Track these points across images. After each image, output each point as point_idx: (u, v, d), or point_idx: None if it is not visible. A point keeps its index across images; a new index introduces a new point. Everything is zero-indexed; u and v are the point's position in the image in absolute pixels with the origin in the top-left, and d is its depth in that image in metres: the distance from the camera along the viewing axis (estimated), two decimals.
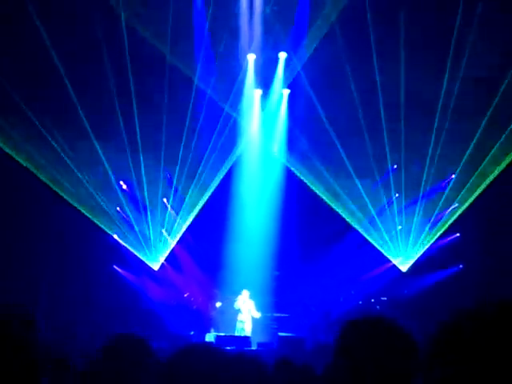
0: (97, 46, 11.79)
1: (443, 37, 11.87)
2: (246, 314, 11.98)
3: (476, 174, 13.29)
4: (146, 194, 13.86)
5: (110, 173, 13.42)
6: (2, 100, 11.49)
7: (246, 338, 11.39)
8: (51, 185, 12.84)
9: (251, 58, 13.52)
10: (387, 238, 14.22)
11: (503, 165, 12.98)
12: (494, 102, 12.34)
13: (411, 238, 14.16)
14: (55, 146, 12.66)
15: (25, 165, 12.37)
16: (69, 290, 12.96)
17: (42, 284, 12.88)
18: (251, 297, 12.22)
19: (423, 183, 13.77)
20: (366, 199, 14.08)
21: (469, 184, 13.47)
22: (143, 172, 13.59)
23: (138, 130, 13.07)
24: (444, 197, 13.86)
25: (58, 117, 12.39)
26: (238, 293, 12.28)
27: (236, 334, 11.80)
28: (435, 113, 12.82)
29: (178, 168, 13.77)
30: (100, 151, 13.04)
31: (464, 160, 13.24)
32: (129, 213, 14.00)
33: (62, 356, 4.28)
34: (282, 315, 13.29)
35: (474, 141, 12.85)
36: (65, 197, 13.02)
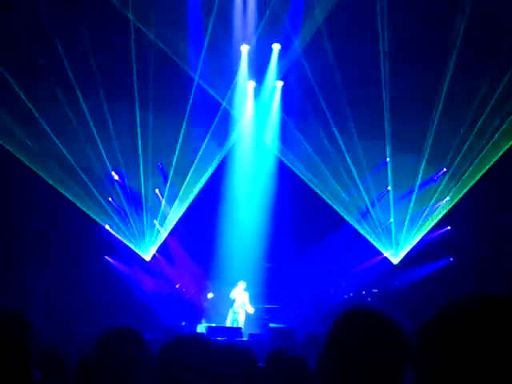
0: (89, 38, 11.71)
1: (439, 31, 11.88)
2: (240, 305, 12.00)
3: (468, 167, 13.37)
4: (138, 184, 13.81)
5: (104, 163, 13.37)
6: None
7: (238, 329, 11.43)
8: (42, 175, 12.75)
9: (245, 49, 13.46)
10: (379, 231, 14.29)
11: (494, 159, 13.06)
12: (480, 92, 12.39)
13: (403, 231, 14.24)
14: (49, 132, 12.57)
15: (13, 153, 12.28)
16: (59, 280, 12.91)
17: (32, 275, 12.83)
18: (245, 289, 12.23)
19: (415, 176, 13.82)
20: (359, 191, 14.13)
21: (460, 177, 13.54)
22: (135, 162, 13.54)
23: (131, 119, 13.01)
24: (436, 190, 13.94)
25: (51, 102, 12.30)
26: (229, 284, 12.29)
27: (229, 324, 11.83)
28: (429, 106, 12.86)
29: (170, 159, 13.73)
30: (96, 140, 12.96)
31: (456, 153, 13.31)
32: (121, 203, 13.95)
33: (54, 348, 4.27)
34: (273, 306, 13.34)
35: (461, 132, 12.93)
36: (56, 187, 12.94)
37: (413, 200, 14.03)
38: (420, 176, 13.81)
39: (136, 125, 13.12)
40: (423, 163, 13.58)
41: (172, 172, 13.95)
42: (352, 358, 1.53)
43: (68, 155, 12.95)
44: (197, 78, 13.13)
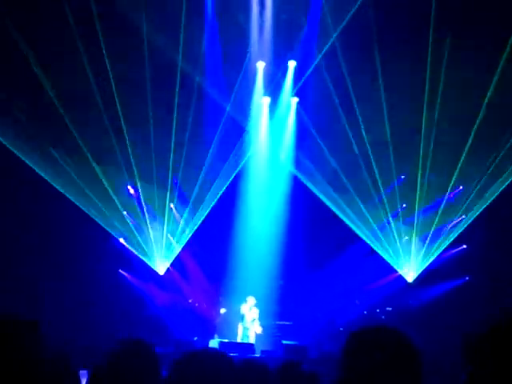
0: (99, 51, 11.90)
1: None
2: (250, 320, 11.91)
3: (483, 185, 13.25)
4: (153, 198, 13.91)
5: (120, 177, 13.50)
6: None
7: (250, 345, 11.35)
8: (58, 188, 12.90)
9: (261, 65, 13.58)
10: (394, 249, 14.17)
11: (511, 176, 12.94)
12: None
13: (417, 249, 14.10)
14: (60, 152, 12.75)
15: (30, 165, 12.45)
16: (74, 293, 12.98)
17: (47, 288, 12.91)
18: (256, 305, 12.14)
19: (430, 194, 13.73)
20: (374, 208, 14.06)
21: (475, 195, 13.42)
22: (151, 177, 13.65)
23: (148, 134, 13.14)
24: (452, 208, 13.82)
25: (63, 119, 12.48)
26: (242, 300, 12.22)
27: (240, 340, 11.74)
28: (444, 123, 12.80)
29: (185, 174, 13.82)
30: (113, 153, 13.09)
31: (472, 171, 13.21)
32: (136, 217, 14.05)
33: (65, 361, 4.28)
34: (286, 323, 13.24)
35: (468, 149, 12.84)
36: (72, 200, 13.08)
37: (427, 218, 13.92)
38: (435, 193, 13.71)
39: (152, 140, 13.24)
40: (439, 181, 13.49)
41: (187, 187, 14.04)
42: (369, 378, 1.51)
43: (84, 168, 13.10)
44: (217, 98, 13.26)
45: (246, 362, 2.43)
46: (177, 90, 12.83)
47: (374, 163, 13.50)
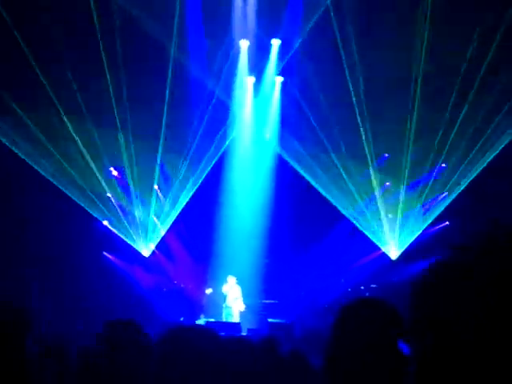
0: (91, 31, 11.67)
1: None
2: (232, 299, 12.05)
3: (466, 162, 13.38)
4: (137, 180, 13.81)
5: (102, 158, 13.36)
6: None
7: (236, 324, 11.45)
8: (41, 171, 12.75)
9: (244, 44, 13.43)
10: (377, 226, 14.31)
11: (493, 154, 13.08)
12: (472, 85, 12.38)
13: (401, 226, 14.26)
14: (47, 128, 12.56)
15: (12, 149, 12.28)
16: (59, 276, 12.92)
17: (31, 272, 12.83)
18: (239, 283, 12.26)
19: (413, 172, 13.83)
20: (358, 187, 14.14)
21: (459, 172, 13.56)
22: (134, 158, 13.53)
23: (130, 116, 12.98)
24: (434, 185, 13.96)
25: (49, 101, 12.27)
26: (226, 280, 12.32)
27: (223, 319, 11.86)
28: (430, 101, 12.84)
29: (169, 155, 13.72)
30: (93, 137, 12.94)
31: (455, 148, 13.32)
32: (119, 199, 13.96)
33: (55, 343, 4.29)
34: (272, 302, 13.36)
35: (456, 128, 12.92)
36: (55, 183, 12.95)
37: (411, 195, 14.05)
38: (418, 171, 13.82)
39: (135, 121, 13.08)
40: (422, 158, 13.58)
41: (170, 168, 13.95)
42: (361, 350, 1.49)
43: (67, 151, 12.95)
44: (201, 77, 13.11)
45: (232, 339, 2.45)
46: (160, 70, 12.64)
47: (358, 141, 13.52)
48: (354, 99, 12.90)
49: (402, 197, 14.11)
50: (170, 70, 12.79)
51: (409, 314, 0.84)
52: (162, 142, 13.44)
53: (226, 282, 12.18)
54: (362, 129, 13.30)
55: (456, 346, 0.74)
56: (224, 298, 12.11)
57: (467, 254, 0.79)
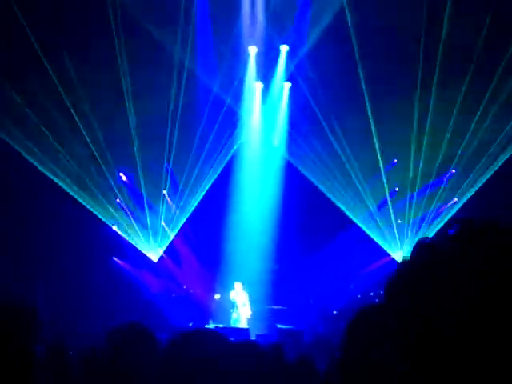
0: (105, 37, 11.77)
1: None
2: (240, 305, 12.05)
3: (476, 168, 13.30)
4: (146, 186, 13.86)
5: (111, 164, 13.43)
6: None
7: (245, 329, 11.42)
8: (51, 176, 12.83)
9: (253, 50, 13.46)
10: (387, 233, 14.24)
11: (502, 160, 13.00)
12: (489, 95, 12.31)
13: (410, 232, 14.17)
14: (58, 133, 12.65)
15: (23, 154, 12.37)
16: (68, 281, 12.96)
17: (41, 276, 12.89)
18: (246, 289, 12.24)
19: (423, 178, 13.77)
20: (366, 193, 14.08)
21: (468, 179, 13.48)
22: (144, 164, 13.59)
23: (139, 121, 13.04)
24: (443, 191, 13.88)
25: (61, 105, 12.37)
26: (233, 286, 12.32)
27: (232, 325, 11.84)
28: (440, 107, 12.79)
29: (178, 161, 13.76)
30: (103, 142, 13.02)
31: (464, 155, 13.25)
32: (129, 205, 14.01)
33: (60, 346, 4.30)
34: (281, 308, 13.32)
35: (469, 135, 12.85)
36: (65, 188, 13.02)
37: (421, 201, 13.98)
38: (428, 177, 13.75)
39: (144, 126, 13.14)
40: (432, 164, 13.52)
41: (179, 174, 13.99)
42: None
43: (77, 156, 13.03)
44: (210, 83, 13.16)
45: (240, 343, 2.44)
46: (169, 76, 12.70)
47: (367, 148, 13.49)
48: (367, 104, 12.85)
49: (411, 203, 14.04)
50: (179, 76, 12.84)
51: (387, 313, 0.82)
52: (170, 148, 13.49)
53: (233, 288, 12.17)
54: (371, 134, 13.27)
55: (438, 343, 0.71)
56: (233, 304, 12.10)
57: (441, 250, 0.77)
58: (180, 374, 1.53)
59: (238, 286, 12.16)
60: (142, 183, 13.83)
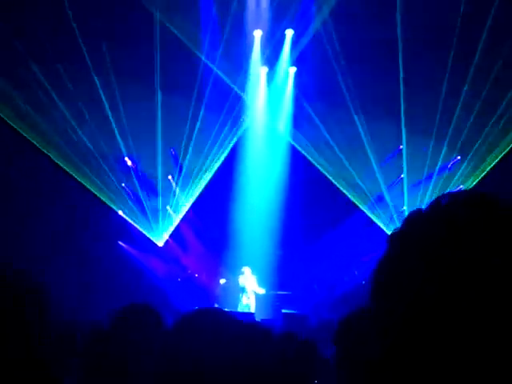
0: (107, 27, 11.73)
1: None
2: (250, 290, 12.03)
3: (482, 156, 13.23)
4: (151, 170, 13.88)
5: (118, 149, 13.45)
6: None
7: (250, 314, 11.48)
8: (56, 160, 12.86)
9: (258, 34, 13.36)
10: (392, 219, 14.21)
11: (509, 147, 12.91)
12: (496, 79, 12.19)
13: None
14: (63, 117, 12.66)
15: (28, 138, 12.40)
16: (73, 265, 13.05)
17: (46, 260, 12.97)
18: (253, 273, 12.23)
19: (429, 164, 13.71)
20: (372, 179, 14.05)
21: (474, 166, 13.41)
22: (148, 148, 13.59)
23: (144, 106, 13.02)
24: (449, 178, 13.82)
25: (66, 92, 12.38)
26: (241, 270, 12.30)
27: (240, 310, 11.86)
28: (444, 93, 12.68)
29: (183, 145, 13.75)
30: (110, 126, 13.02)
31: (470, 141, 13.17)
32: (134, 189, 14.04)
33: (68, 328, 4.33)
34: (286, 293, 13.38)
35: (471, 120, 12.76)
36: (70, 172, 13.05)
37: (426, 188, 13.93)
38: (434, 164, 13.69)
39: (149, 110, 13.12)
40: (437, 151, 13.45)
41: (184, 158, 13.99)
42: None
43: (82, 141, 13.03)
44: (214, 68, 13.09)
45: (250, 325, 2.45)
46: (173, 61, 12.64)
47: (372, 133, 13.43)
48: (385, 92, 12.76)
49: (417, 189, 14.00)
50: (184, 61, 12.78)
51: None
52: (175, 132, 13.47)
53: (242, 273, 12.08)
54: (377, 119, 13.20)
55: (422, 324, 0.68)
56: (242, 289, 12.00)
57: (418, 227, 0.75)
58: (186, 352, 1.52)
59: (247, 270, 12.08)
60: (147, 168, 13.85)
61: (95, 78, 12.45)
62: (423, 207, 0.78)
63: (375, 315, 0.75)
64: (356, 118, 13.32)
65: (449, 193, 0.77)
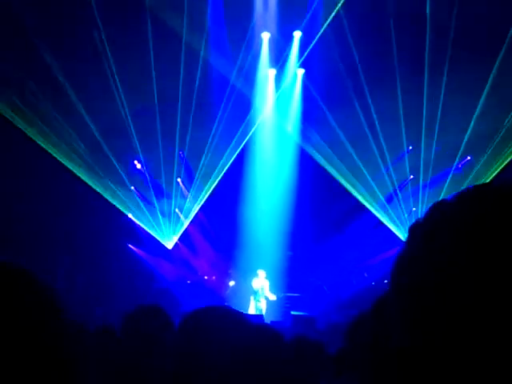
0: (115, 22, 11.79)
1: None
2: (262, 294, 11.93)
3: (491, 155, 13.14)
4: (160, 173, 13.93)
5: (125, 152, 13.50)
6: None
7: (259, 316, 11.44)
8: (68, 165, 12.95)
9: (266, 36, 13.37)
10: (401, 220, 14.15)
11: None
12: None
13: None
14: (74, 121, 12.74)
15: (38, 143, 12.50)
16: (84, 268, 13.12)
17: (57, 264, 13.05)
18: (266, 277, 12.16)
19: (438, 165, 13.64)
20: (382, 180, 14.00)
21: (484, 165, 13.32)
22: (157, 151, 13.64)
23: (153, 109, 13.07)
24: (460, 178, 13.74)
25: (76, 94, 12.46)
26: (251, 272, 12.26)
27: (254, 312, 11.75)
28: (455, 92, 12.61)
29: (192, 148, 13.79)
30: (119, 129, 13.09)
31: (481, 142, 13.08)
32: (143, 192, 14.10)
33: (77, 330, 4.35)
34: (295, 295, 13.35)
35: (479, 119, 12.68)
36: (81, 176, 13.14)
37: (435, 188, 13.86)
38: (443, 164, 13.62)
39: (157, 113, 13.18)
40: (447, 151, 13.37)
41: (193, 161, 14.02)
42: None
43: (92, 144, 13.11)
44: (223, 70, 13.12)
45: (260, 326, 2.45)
46: (182, 63, 12.69)
47: (381, 134, 13.38)
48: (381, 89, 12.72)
49: (426, 190, 13.93)
50: (193, 63, 12.82)
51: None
52: (183, 135, 13.52)
53: (257, 276, 11.88)
54: (385, 120, 13.16)
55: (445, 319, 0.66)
56: (255, 292, 11.82)
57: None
58: (195, 350, 1.53)
59: (261, 273, 11.89)
60: (156, 171, 13.91)
61: (110, 78, 12.50)
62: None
63: (401, 307, 0.73)
64: (364, 118, 13.29)
65: (474, 185, 0.75)
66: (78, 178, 13.07)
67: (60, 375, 0.81)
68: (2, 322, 0.78)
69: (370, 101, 12.98)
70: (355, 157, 13.74)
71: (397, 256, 0.79)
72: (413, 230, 0.79)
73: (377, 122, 13.23)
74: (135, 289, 12.89)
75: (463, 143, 13.18)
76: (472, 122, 12.78)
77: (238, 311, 1.73)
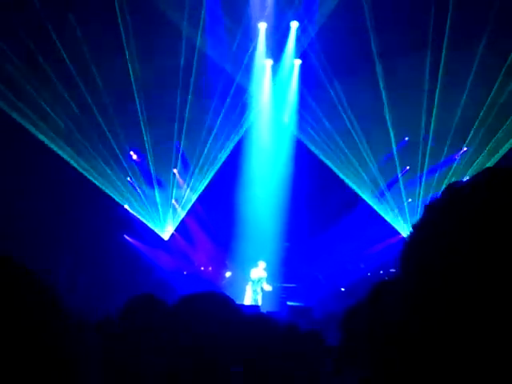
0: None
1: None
2: (259, 285, 11.96)
3: (488, 147, 13.16)
4: (156, 164, 13.90)
5: (122, 143, 13.46)
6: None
7: (256, 306, 11.49)
8: (64, 156, 12.91)
9: (262, 26, 13.30)
10: (398, 211, 14.19)
11: None
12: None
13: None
14: (69, 112, 12.70)
15: (35, 134, 12.45)
16: (80, 259, 13.12)
17: (59, 261, 13.03)
18: (265, 269, 12.16)
19: (434, 155, 13.65)
20: (377, 171, 14.02)
21: (480, 157, 13.34)
22: (154, 143, 13.61)
23: (149, 100, 13.02)
24: (456, 169, 13.77)
25: (73, 87, 12.40)
26: (247, 263, 12.28)
27: (250, 302, 11.77)
28: (451, 85, 12.61)
29: (188, 139, 13.75)
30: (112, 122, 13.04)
31: (475, 133, 13.10)
32: (139, 183, 14.08)
33: (76, 321, 4.37)
34: (291, 285, 13.40)
35: (480, 113, 12.69)
36: (77, 167, 13.10)
37: (431, 180, 13.88)
38: (440, 155, 13.64)
39: (154, 105, 13.13)
40: (443, 142, 13.39)
41: (190, 152, 14.00)
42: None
43: (88, 135, 13.07)
44: (219, 61, 13.05)
45: (254, 315, 2.47)
46: (180, 53, 12.62)
47: (377, 125, 13.38)
48: (379, 81, 12.69)
49: (422, 181, 13.95)
50: (189, 54, 12.76)
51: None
52: (180, 126, 13.48)
53: (257, 266, 11.84)
54: (382, 111, 13.14)
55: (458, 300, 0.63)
56: (253, 281, 11.75)
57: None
58: (185, 327, 1.53)
59: (261, 264, 11.86)
60: (153, 162, 13.87)
61: (107, 69, 12.44)
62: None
63: (410, 290, 0.72)
64: (359, 110, 13.27)
65: (488, 168, 0.74)
66: (74, 169, 13.02)
67: (61, 375, 0.82)
68: (3, 322, 0.78)
69: (367, 92, 12.96)
70: (351, 147, 13.74)
71: (406, 239, 0.77)
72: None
73: (376, 113, 13.21)
74: (131, 279, 12.90)
75: (451, 133, 13.18)
76: (460, 110, 12.79)
77: (227, 296, 1.74)
